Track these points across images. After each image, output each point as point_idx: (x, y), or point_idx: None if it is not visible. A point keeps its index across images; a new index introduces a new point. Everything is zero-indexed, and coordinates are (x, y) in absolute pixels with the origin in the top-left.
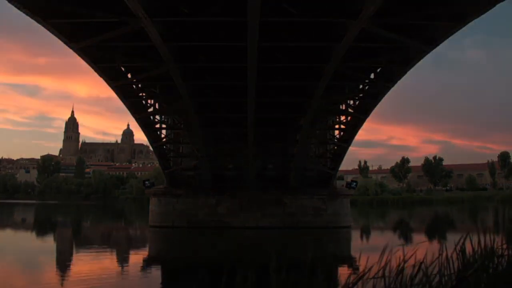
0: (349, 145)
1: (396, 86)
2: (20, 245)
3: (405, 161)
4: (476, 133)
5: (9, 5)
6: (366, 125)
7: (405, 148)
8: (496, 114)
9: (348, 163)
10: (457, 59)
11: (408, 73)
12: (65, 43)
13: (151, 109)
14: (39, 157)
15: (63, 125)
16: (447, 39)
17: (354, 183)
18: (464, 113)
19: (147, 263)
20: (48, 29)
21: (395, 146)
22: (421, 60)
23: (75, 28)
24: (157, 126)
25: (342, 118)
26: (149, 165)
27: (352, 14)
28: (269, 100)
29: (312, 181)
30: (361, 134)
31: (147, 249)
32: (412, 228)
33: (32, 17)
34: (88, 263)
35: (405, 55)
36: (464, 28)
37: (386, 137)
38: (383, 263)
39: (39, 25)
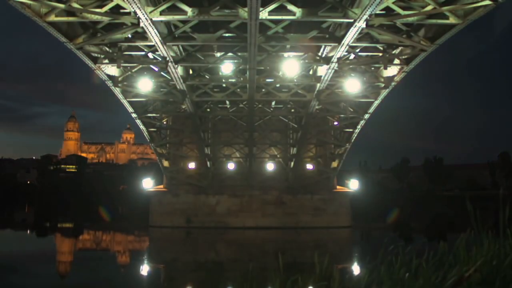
0: (349, 145)
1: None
2: (20, 244)
3: (405, 161)
4: None
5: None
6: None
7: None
8: None
9: (348, 163)
10: None
11: None
12: (65, 43)
13: (151, 109)
14: (39, 157)
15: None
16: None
17: (354, 183)
18: None
19: (147, 263)
20: (48, 29)
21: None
22: None
23: (75, 28)
24: (157, 126)
25: None
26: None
27: (352, 13)
28: (269, 99)
29: (312, 181)
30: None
31: (147, 249)
32: (412, 228)
33: (31, 17)
34: (88, 263)
35: (405, 55)
36: None
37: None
38: (382, 263)
39: None
